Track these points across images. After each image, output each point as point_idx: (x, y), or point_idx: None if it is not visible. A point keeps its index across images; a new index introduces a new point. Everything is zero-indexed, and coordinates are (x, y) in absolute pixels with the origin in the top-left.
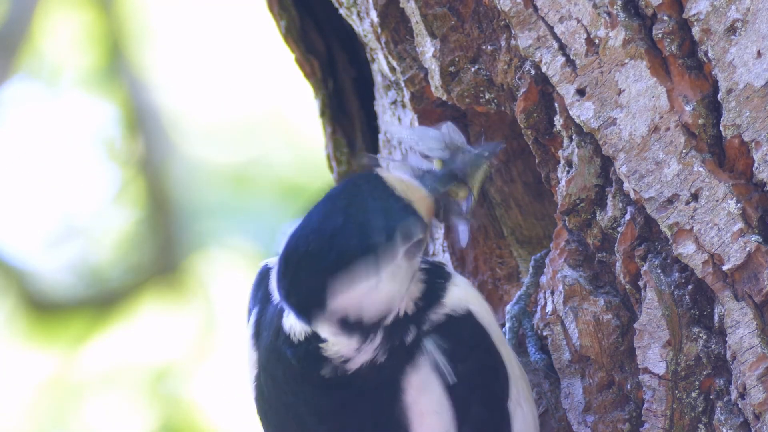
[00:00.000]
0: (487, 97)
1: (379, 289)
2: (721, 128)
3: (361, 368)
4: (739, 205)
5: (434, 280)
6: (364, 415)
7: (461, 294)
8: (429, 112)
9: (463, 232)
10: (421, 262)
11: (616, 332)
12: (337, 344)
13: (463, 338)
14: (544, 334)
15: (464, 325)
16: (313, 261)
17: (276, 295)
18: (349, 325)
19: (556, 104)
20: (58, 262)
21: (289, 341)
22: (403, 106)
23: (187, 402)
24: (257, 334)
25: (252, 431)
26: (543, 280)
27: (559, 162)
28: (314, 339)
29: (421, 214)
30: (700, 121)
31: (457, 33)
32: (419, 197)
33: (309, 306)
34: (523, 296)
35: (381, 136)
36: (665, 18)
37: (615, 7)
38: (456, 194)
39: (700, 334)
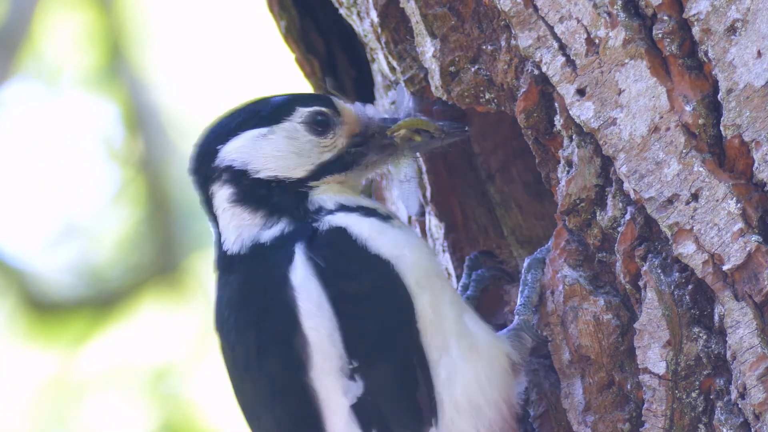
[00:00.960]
0: (487, 97)
1: (270, 140)
2: (721, 128)
3: (253, 251)
4: (739, 205)
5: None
6: (261, 298)
7: (348, 220)
8: (429, 112)
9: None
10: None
11: (616, 332)
12: (234, 216)
13: (336, 253)
14: (544, 334)
15: (337, 240)
16: (213, 130)
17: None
18: (240, 185)
19: (556, 104)
20: (58, 262)
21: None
22: None
23: (187, 401)
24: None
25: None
26: (544, 279)
27: (559, 162)
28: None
29: (338, 109)
30: (700, 121)
31: (457, 33)
32: (347, 109)
33: (204, 160)
34: (543, 249)
35: None
36: (665, 18)
37: (615, 7)
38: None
39: (700, 334)
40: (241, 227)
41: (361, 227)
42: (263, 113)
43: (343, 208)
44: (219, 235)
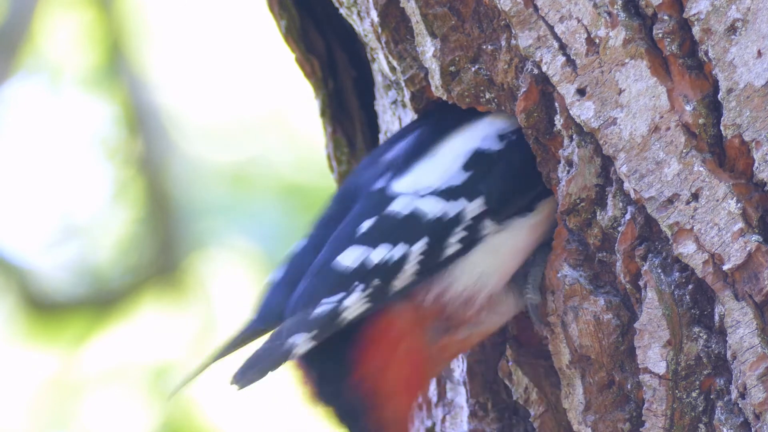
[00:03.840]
0: (487, 96)
1: None
2: (722, 128)
3: None
4: (739, 204)
5: None
6: None
7: None
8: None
9: None
10: None
11: (616, 332)
12: None
13: None
14: (545, 334)
15: None
16: None
17: None
18: None
19: (556, 104)
20: (58, 262)
21: None
22: (404, 105)
23: (187, 401)
24: None
25: (252, 431)
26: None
27: (559, 162)
28: None
29: None
30: (701, 121)
31: (458, 33)
32: None
33: None
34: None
35: (381, 136)
36: (665, 18)
37: (615, 6)
38: None
39: (701, 334)
40: None
41: None
42: None
43: None
44: None
